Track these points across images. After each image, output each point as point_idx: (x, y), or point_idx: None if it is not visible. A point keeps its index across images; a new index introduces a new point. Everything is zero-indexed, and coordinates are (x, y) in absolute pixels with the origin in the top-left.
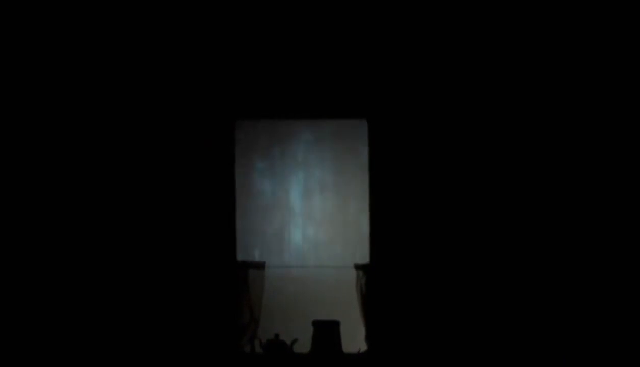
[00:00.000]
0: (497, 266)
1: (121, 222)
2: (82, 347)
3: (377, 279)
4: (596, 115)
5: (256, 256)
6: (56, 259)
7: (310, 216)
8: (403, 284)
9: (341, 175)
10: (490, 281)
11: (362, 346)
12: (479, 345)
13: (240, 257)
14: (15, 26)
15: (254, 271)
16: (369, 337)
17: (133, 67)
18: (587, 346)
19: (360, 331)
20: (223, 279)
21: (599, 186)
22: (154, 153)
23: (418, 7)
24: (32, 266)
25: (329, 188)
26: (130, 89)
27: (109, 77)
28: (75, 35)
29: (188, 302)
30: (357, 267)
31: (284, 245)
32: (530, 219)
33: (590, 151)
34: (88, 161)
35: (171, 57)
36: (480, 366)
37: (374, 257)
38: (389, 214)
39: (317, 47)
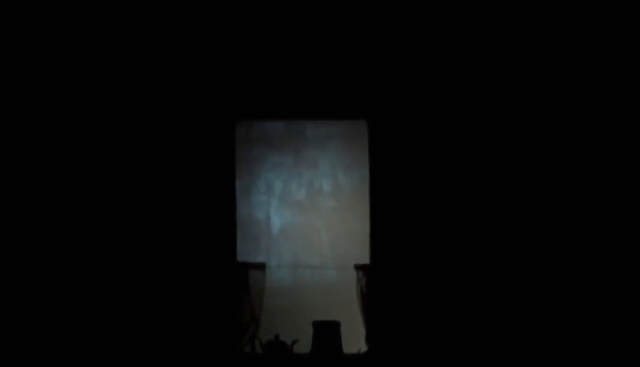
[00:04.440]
0: (496, 266)
1: (122, 223)
2: (82, 347)
3: (377, 280)
4: (596, 116)
5: (256, 257)
6: (57, 259)
7: (311, 216)
8: (403, 284)
9: (342, 175)
10: (490, 281)
11: (363, 347)
12: (479, 345)
13: (240, 257)
14: (15, 26)
15: (254, 272)
16: (369, 338)
17: (134, 67)
18: (587, 346)
19: (361, 332)
20: (223, 280)
21: (599, 186)
22: (154, 153)
23: (417, 9)
24: (33, 266)
25: (330, 188)
26: (131, 89)
27: (109, 77)
28: (76, 35)
29: (189, 303)
30: (358, 267)
31: (284, 245)
32: (530, 219)
33: (590, 151)
34: (88, 162)
35: (172, 57)
36: (480, 366)
37: (374, 258)
38: (389, 214)
39: (317, 48)
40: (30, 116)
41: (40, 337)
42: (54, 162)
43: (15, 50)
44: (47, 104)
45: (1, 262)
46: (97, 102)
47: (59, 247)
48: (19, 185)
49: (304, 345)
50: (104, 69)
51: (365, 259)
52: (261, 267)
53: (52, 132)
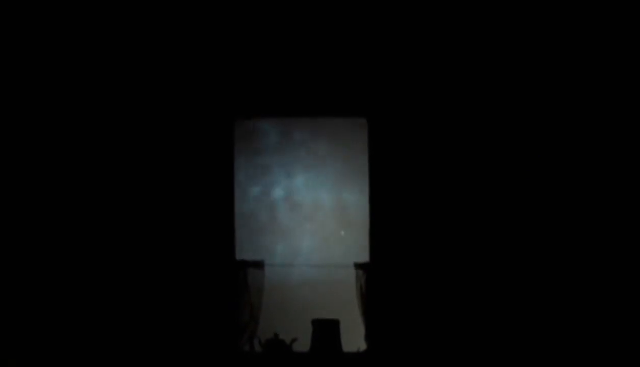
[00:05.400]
0: (496, 264)
1: (120, 222)
2: (82, 347)
3: (376, 278)
4: (596, 116)
5: (255, 255)
6: (56, 259)
7: (310, 215)
8: (403, 283)
9: (342, 174)
10: (489, 280)
11: (362, 345)
12: (479, 344)
13: (239, 256)
14: (15, 26)
15: (253, 270)
16: (368, 336)
17: (134, 66)
18: (587, 346)
19: (360, 330)
20: (222, 278)
21: (599, 186)
22: (154, 152)
23: (418, 6)
24: (32, 267)
25: (329, 187)
26: (130, 89)
27: (109, 77)
28: (76, 35)
29: (188, 302)
30: (357, 266)
31: (284, 244)
32: (530, 218)
33: (589, 151)
34: (88, 161)
35: (171, 56)
36: (480, 365)
37: (373, 256)
38: (389, 213)
39: (317, 46)
40: (30, 116)
41: (40, 337)
42: (53, 161)
43: (16, 50)
44: (46, 102)
45: (1, 262)
46: (96, 102)
47: (57, 246)
48: (18, 185)
49: (304, 344)
50: (104, 68)
51: (365, 257)
52: (260, 265)
53: (51, 131)
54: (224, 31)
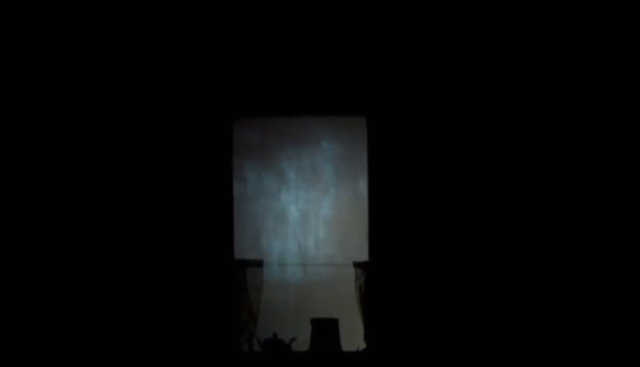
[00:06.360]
0: (496, 263)
1: (119, 222)
2: (81, 347)
3: (376, 277)
4: (596, 115)
5: (254, 254)
6: (54, 259)
7: (310, 214)
8: (402, 282)
9: (341, 173)
10: (489, 279)
11: (361, 344)
12: (478, 343)
13: (238, 255)
14: (15, 26)
15: (252, 269)
16: (367, 336)
17: (131, 66)
18: (587, 346)
19: (359, 329)
20: (221, 278)
21: (599, 186)
22: (152, 152)
23: (417, 4)
24: (31, 265)
25: (329, 186)
26: (128, 89)
27: (106, 77)
28: (75, 35)
29: (186, 301)
30: (356, 265)
31: (283, 243)
32: (530, 216)
33: (590, 151)
34: (86, 161)
35: (169, 56)
36: (480, 364)
37: (373, 255)
38: (388, 212)
39: (316, 44)
40: (30, 116)
41: (40, 337)
42: (53, 163)
43: (16, 50)
44: (46, 104)
45: (1, 262)
46: (94, 102)
47: (57, 246)
48: (16, 185)
49: (303, 343)
50: (102, 68)
51: (364, 256)
52: (259, 264)
53: (51, 133)
54: (222, 31)
